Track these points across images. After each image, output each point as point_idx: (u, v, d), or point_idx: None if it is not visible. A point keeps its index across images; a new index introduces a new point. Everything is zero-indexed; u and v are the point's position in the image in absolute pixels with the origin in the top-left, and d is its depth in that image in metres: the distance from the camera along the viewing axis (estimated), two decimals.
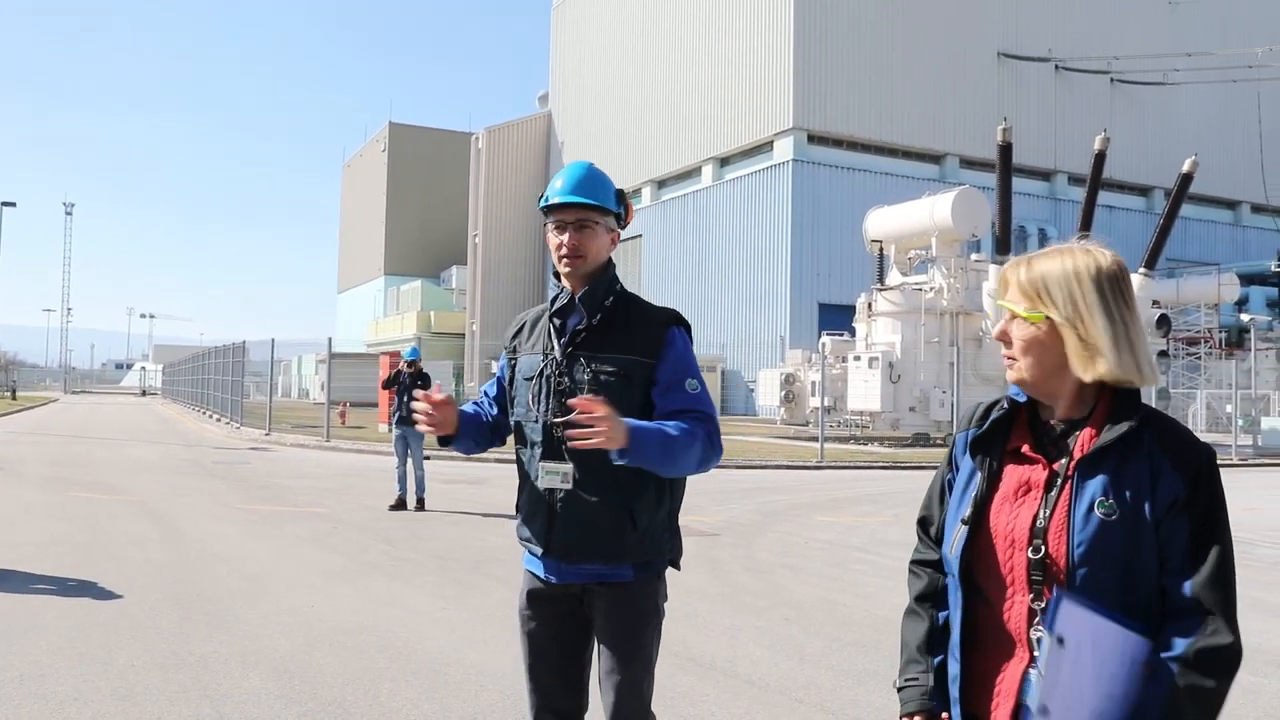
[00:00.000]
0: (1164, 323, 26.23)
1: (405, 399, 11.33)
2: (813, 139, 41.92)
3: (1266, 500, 13.95)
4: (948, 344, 23.82)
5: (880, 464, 19.10)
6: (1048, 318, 1.64)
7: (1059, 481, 1.63)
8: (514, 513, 2.61)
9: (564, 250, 2.46)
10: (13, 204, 45.18)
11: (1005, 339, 1.71)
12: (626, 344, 2.44)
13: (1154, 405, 1.75)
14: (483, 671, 4.82)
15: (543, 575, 2.49)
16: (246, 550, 8.09)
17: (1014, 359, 1.70)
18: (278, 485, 13.24)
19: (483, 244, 59.88)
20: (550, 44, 62.58)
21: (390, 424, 11.85)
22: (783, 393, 28.00)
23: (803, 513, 11.38)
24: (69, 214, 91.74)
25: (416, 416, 2.47)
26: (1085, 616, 1.49)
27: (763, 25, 42.87)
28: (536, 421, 2.46)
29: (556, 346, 2.48)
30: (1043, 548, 1.60)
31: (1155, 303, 26.85)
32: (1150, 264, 25.15)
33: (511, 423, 2.60)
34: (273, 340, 25.20)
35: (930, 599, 1.81)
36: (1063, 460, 1.64)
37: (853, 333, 27.70)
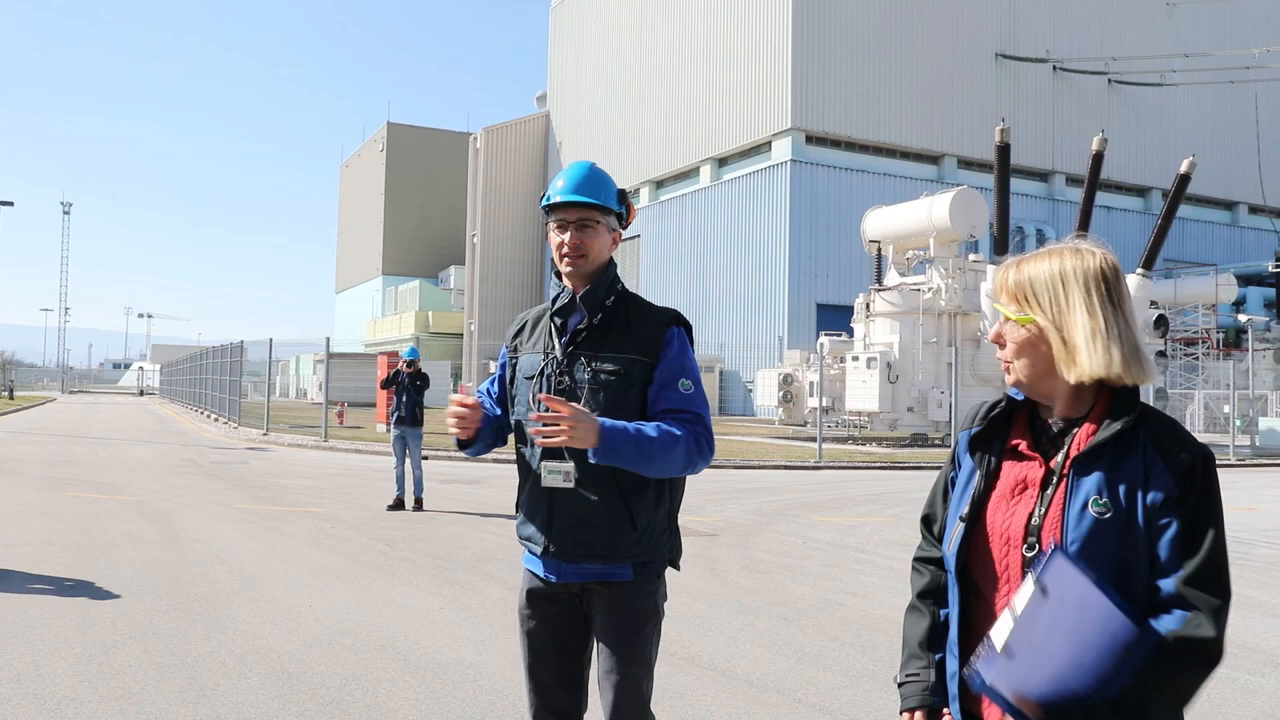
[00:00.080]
0: (1162, 323, 26.24)
1: (404, 399, 11.37)
2: (811, 139, 41.93)
3: (1264, 500, 13.96)
4: (946, 344, 23.85)
5: (878, 464, 19.09)
6: (1036, 320, 1.65)
7: (1055, 479, 1.63)
8: (513, 512, 2.62)
9: (565, 249, 2.46)
10: (10, 203, 45.09)
11: (1000, 341, 1.72)
12: (627, 343, 2.44)
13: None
14: (480, 671, 4.82)
15: (542, 574, 2.50)
16: (244, 550, 8.08)
17: (1009, 361, 1.70)
18: (275, 485, 13.23)
19: (481, 244, 59.91)
20: (549, 44, 62.55)
21: (388, 424, 11.86)
22: (781, 393, 28.05)
23: (801, 513, 11.38)
24: (66, 213, 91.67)
25: (449, 420, 2.42)
26: (1076, 577, 1.48)
27: (761, 26, 42.87)
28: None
29: (557, 345, 2.49)
30: (1037, 545, 1.60)
31: (1153, 303, 26.86)
32: (1148, 264, 25.17)
33: (512, 422, 2.60)
34: (270, 340, 25.18)
35: (932, 596, 1.82)
36: (1059, 458, 1.65)
37: (851, 333, 27.73)
